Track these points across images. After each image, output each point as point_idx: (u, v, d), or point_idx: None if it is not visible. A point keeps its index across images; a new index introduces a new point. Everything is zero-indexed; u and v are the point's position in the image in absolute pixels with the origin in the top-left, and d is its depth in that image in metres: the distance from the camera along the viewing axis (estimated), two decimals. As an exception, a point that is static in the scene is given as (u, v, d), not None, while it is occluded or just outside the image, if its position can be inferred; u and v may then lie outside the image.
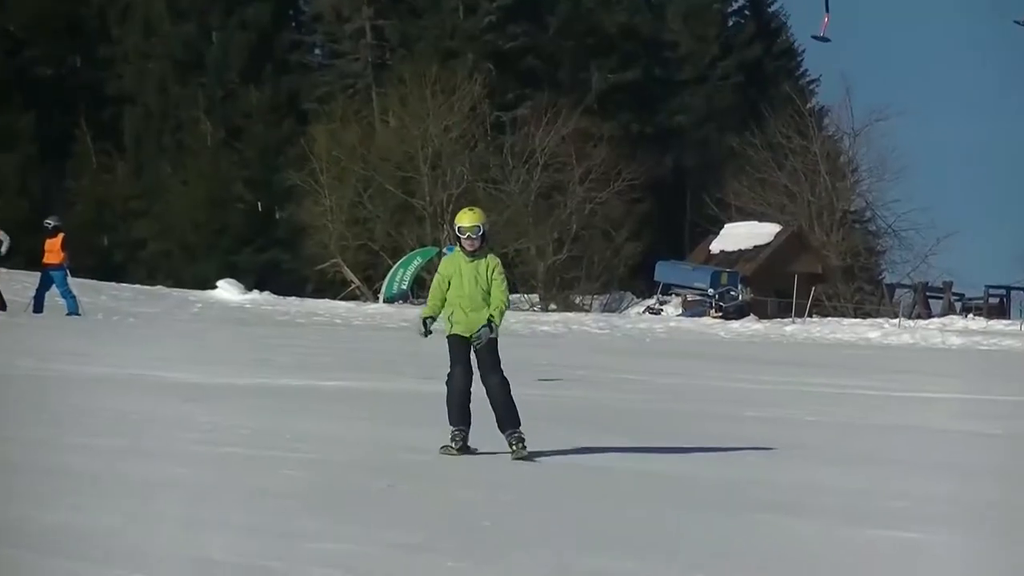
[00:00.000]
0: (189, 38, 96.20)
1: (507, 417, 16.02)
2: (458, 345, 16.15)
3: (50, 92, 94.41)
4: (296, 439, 20.09)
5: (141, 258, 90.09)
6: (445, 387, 16.32)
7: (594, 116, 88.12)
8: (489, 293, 16.19)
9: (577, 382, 33.09)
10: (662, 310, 75.41)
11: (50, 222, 48.95)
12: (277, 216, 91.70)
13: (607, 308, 78.75)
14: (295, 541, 11.88)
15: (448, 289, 16.21)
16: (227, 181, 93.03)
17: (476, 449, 16.36)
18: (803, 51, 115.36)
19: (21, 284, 52.45)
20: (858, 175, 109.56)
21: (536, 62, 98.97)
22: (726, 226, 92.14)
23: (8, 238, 49.10)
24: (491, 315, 16.07)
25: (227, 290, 66.91)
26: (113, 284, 66.46)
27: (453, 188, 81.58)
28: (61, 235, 47.86)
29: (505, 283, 16.27)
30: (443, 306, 16.21)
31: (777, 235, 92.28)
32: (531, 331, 54.74)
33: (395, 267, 76.69)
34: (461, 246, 16.14)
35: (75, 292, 48.13)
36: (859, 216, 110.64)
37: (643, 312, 74.67)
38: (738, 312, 73.21)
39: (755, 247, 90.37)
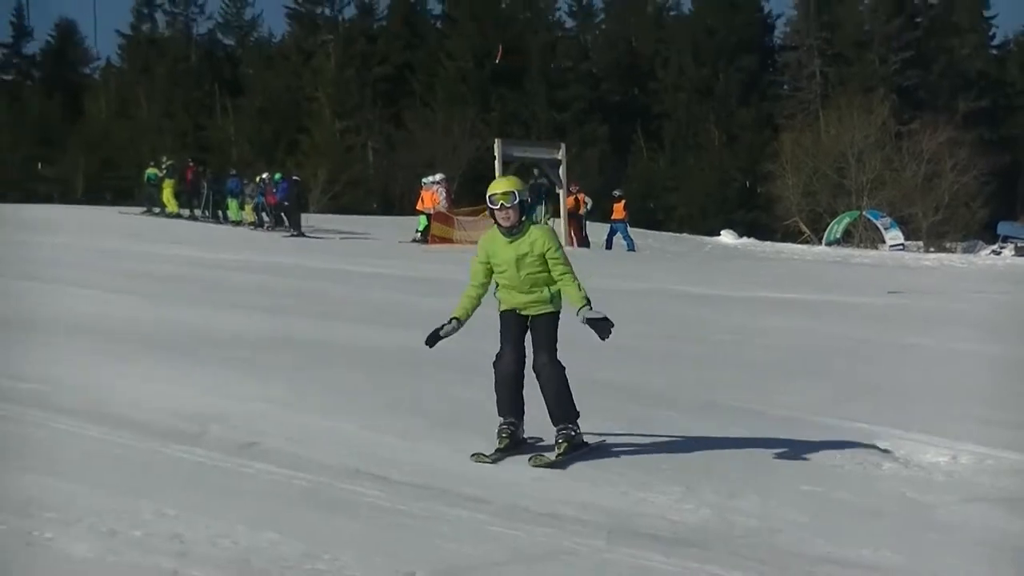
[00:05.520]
0: (705, 77, 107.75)
1: (556, 410, 13.02)
2: (508, 322, 13.10)
3: (618, 110, 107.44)
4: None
5: (673, 216, 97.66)
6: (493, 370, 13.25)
7: (959, 128, 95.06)
8: (543, 272, 12.93)
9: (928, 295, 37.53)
10: (1001, 252, 74.54)
11: (616, 193, 60.04)
12: (758, 191, 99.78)
13: (966, 251, 78.91)
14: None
15: (490, 273, 13.16)
16: (727, 168, 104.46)
17: (533, 440, 13.56)
18: None
19: (598, 234, 59.73)
20: None
21: (925, 95, 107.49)
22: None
23: (590, 201, 59.06)
24: (580, 312, 13.01)
25: (727, 237, 75.02)
26: (654, 232, 74.55)
27: (870, 173, 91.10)
28: (623, 201, 59.02)
29: (565, 263, 13.02)
30: (475, 304, 13.20)
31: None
32: (918, 265, 58.50)
33: (831, 223, 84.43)
34: (496, 221, 12.91)
35: (632, 237, 58.45)
36: None
37: (988, 254, 73.71)
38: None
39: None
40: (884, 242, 74.59)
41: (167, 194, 62.32)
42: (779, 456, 14.21)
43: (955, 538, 11.62)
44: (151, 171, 63.46)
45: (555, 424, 13.11)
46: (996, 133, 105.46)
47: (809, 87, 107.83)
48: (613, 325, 12.95)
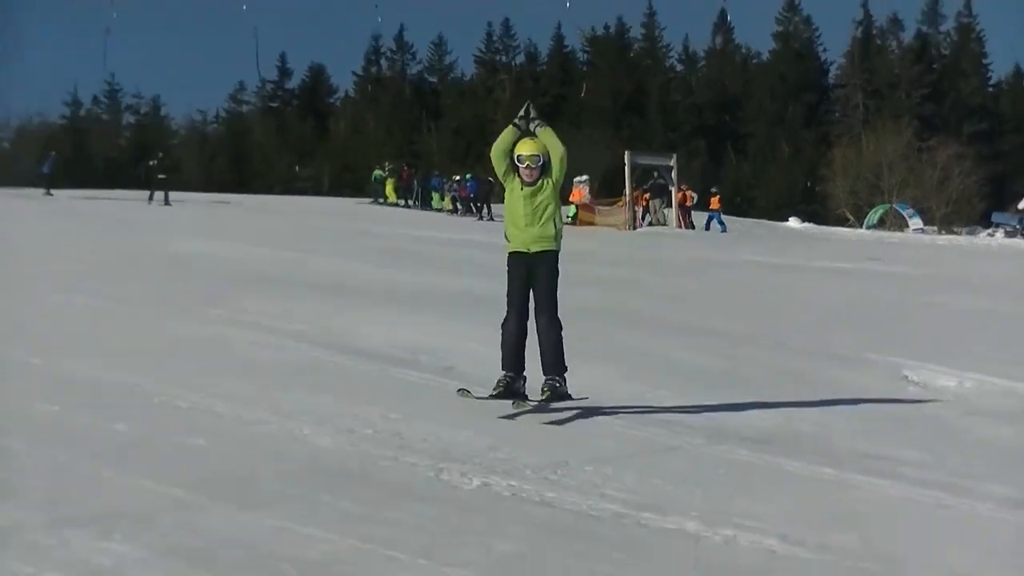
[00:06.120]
0: (778, 108, 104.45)
1: (547, 360, 11.22)
2: (515, 278, 11.30)
3: (714, 131, 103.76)
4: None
5: (754, 207, 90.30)
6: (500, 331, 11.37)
7: (964, 145, 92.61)
8: (547, 205, 11.30)
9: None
10: (994, 235, 68.80)
11: (713, 189, 58.80)
12: (816, 189, 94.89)
13: (969, 234, 70.53)
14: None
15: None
16: (794, 174, 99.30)
17: (528, 400, 11.29)
18: None
19: (699, 220, 57.96)
20: None
21: (939, 121, 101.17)
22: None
23: (695, 196, 57.18)
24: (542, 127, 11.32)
25: (793, 223, 69.16)
26: (741, 218, 69.41)
27: (898, 177, 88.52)
28: (718, 195, 57.62)
29: (557, 138, 11.42)
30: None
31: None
32: (933, 244, 56.70)
33: (869, 213, 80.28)
34: (520, 176, 11.20)
35: (725, 222, 56.10)
36: None
37: (985, 236, 67.95)
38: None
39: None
40: (908, 227, 73.85)
41: (389, 189, 63.26)
42: (832, 381, 14.30)
43: (961, 440, 11.79)
44: (377, 172, 64.70)
45: (544, 373, 11.26)
46: (991, 149, 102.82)
47: (854, 115, 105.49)
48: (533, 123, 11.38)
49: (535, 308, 11.30)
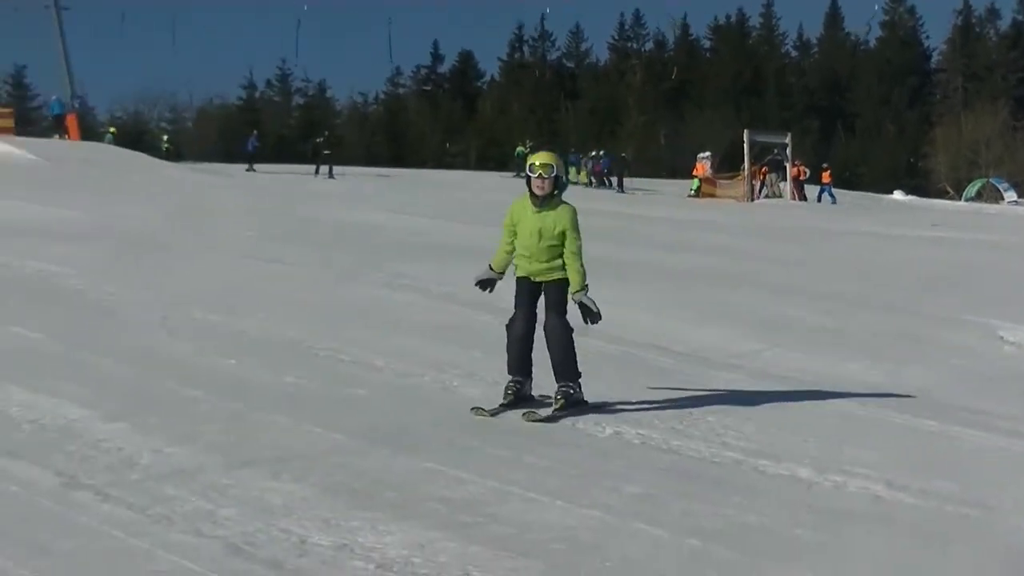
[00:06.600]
0: (884, 90, 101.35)
1: (559, 367, 9.29)
2: (522, 287, 9.43)
3: (826, 112, 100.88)
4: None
5: (862, 181, 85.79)
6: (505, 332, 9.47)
7: None
8: (558, 247, 9.33)
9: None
10: None
11: (824, 165, 57.67)
12: (919, 165, 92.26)
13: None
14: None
15: (515, 234, 9.45)
16: (898, 151, 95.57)
17: (542, 398, 9.52)
18: None
19: (812, 192, 56.51)
20: None
21: None
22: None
23: (808, 171, 56.30)
24: (574, 296, 9.31)
25: (898, 195, 67.46)
26: (850, 191, 67.21)
27: (994, 154, 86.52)
28: (829, 170, 56.89)
29: (578, 246, 9.34)
30: (508, 258, 9.52)
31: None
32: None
33: (968, 187, 76.82)
34: (530, 188, 9.33)
35: (835, 195, 55.40)
36: None
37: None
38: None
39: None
40: (1003, 199, 72.30)
41: (529, 163, 62.95)
42: (933, 340, 14.13)
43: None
44: (520, 149, 64.21)
45: (557, 381, 9.30)
46: None
47: (954, 97, 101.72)
48: (600, 318, 9.32)
49: (545, 307, 9.35)
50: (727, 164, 64.04)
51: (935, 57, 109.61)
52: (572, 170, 61.75)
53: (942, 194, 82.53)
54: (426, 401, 9.43)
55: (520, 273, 9.42)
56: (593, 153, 62.59)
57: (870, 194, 68.76)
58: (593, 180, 59.43)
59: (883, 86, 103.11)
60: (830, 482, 7.64)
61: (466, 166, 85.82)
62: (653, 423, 9.07)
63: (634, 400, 9.86)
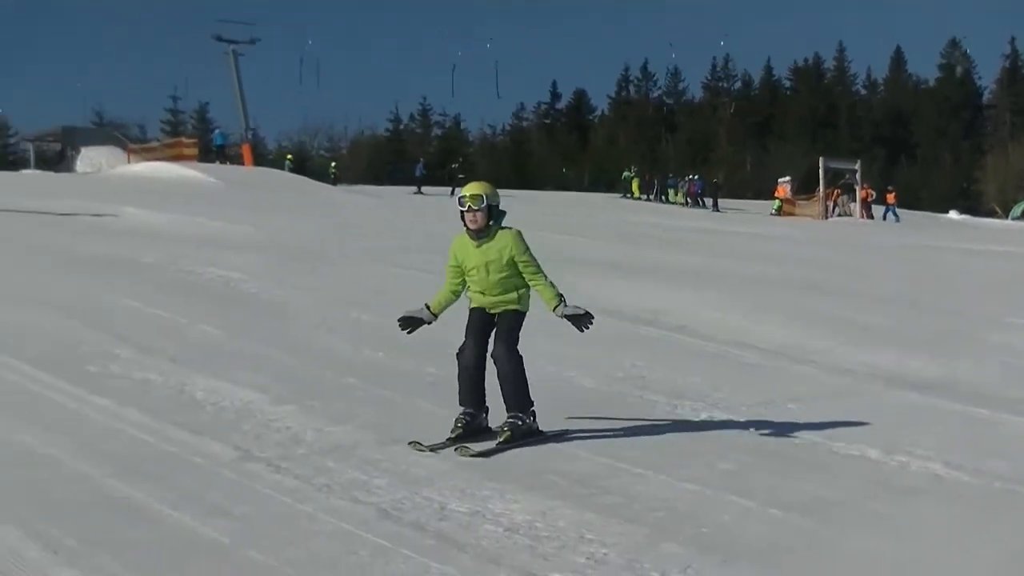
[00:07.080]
0: (941, 124, 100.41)
1: (509, 398, 7.50)
2: (474, 317, 7.71)
3: (890, 142, 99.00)
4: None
5: (922, 202, 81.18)
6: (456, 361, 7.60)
7: None
8: (512, 277, 7.62)
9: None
10: None
11: (889, 188, 56.25)
12: (971, 188, 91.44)
13: None
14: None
15: (461, 275, 7.73)
16: (954, 176, 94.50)
17: (499, 428, 7.55)
18: None
19: (878, 212, 54.26)
20: None
21: None
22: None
23: (874, 193, 55.29)
24: (556, 312, 7.61)
25: (953, 215, 64.00)
26: (911, 211, 62.35)
27: None
28: (893, 192, 54.76)
29: (535, 266, 7.65)
30: (448, 300, 7.82)
31: None
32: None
33: (1013, 207, 74.02)
34: (464, 223, 7.58)
35: (899, 214, 52.50)
36: None
37: None
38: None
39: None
40: (1045, 219, 70.31)
41: (635, 186, 62.39)
42: (982, 339, 13.80)
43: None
44: (626, 173, 63.89)
45: (507, 412, 7.53)
46: None
47: (1002, 129, 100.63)
48: (592, 318, 7.69)
49: (495, 336, 7.63)
50: (804, 187, 63.12)
51: (986, 95, 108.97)
52: (671, 191, 61.83)
53: (991, 214, 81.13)
54: (549, 389, 8.77)
55: (474, 304, 7.75)
56: (689, 177, 62.18)
57: (929, 213, 66.62)
58: (688, 201, 58.88)
59: (941, 120, 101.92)
60: (896, 462, 7.51)
61: (579, 188, 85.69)
62: (740, 409, 9.00)
63: (725, 389, 9.81)
